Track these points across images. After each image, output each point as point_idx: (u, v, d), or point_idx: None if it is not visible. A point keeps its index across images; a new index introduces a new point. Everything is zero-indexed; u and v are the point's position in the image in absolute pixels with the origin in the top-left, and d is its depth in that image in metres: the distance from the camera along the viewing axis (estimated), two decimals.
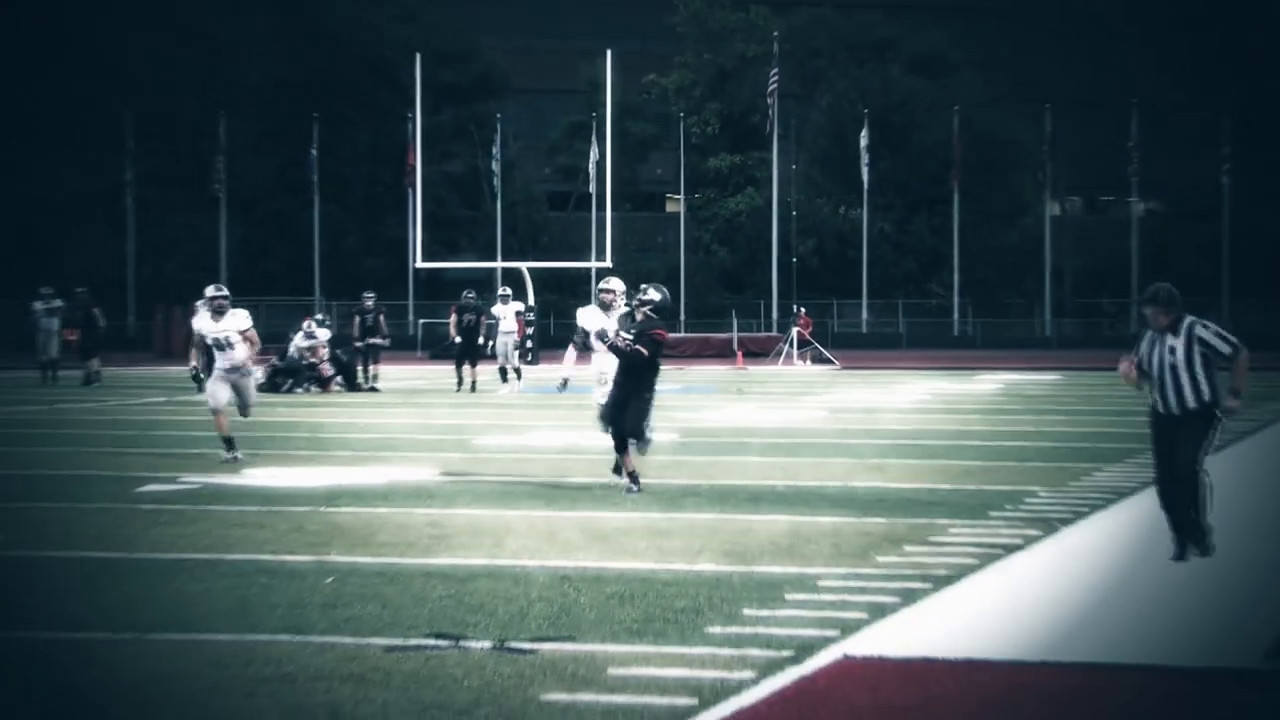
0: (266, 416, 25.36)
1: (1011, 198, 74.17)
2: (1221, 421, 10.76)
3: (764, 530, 12.42)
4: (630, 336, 14.76)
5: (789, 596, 9.66)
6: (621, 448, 14.87)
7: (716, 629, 8.74)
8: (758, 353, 51.52)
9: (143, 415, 26.36)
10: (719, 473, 16.73)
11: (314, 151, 65.00)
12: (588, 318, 16.25)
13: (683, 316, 65.18)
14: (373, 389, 32.81)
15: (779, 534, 12.23)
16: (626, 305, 15.53)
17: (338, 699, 7.23)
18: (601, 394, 15.80)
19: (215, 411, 17.92)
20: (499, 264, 56.83)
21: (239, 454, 17.75)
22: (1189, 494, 10.66)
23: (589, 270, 50.12)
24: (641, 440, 14.86)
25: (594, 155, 63.05)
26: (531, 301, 42.76)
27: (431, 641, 8.42)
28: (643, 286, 15.19)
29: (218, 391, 17.98)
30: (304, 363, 32.61)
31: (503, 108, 69.05)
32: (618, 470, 15.31)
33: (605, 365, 15.90)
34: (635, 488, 14.69)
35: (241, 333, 18.11)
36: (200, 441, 18.66)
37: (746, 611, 9.21)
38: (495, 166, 67.18)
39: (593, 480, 15.04)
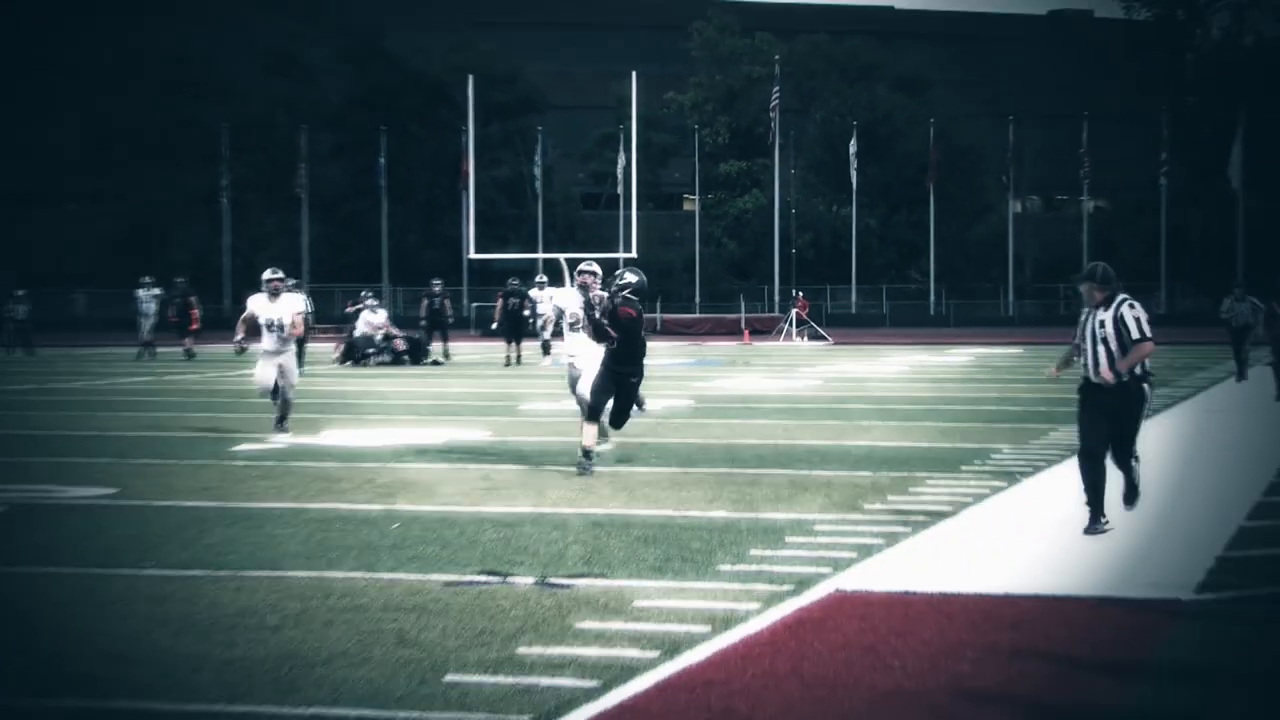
0: (343, 385, 25.43)
1: (979, 197, 73.78)
2: (1149, 396, 10.07)
3: (768, 482, 12.41)
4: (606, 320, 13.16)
5: (789, 539, 9.65)
6: (593, 419, 13.29)
7: (727, 567, 8.74)
8: (762, 331, 51.41)
9: (236, 385, 26.37)
10: (729, 433, 16.70)
11: (382, 160, 64.98)
12: (565, 298, 14.81)
13: (697, 300, 65.17)
14: (435, 362, 32.80)
15: (780, 485, 12.22)
16: (605, 289, 13.53)
17: (403, 626, 7.25)
18: (574, 374, 14.25)
19: (264, 392, 16.63)
20: (540, 255, 56.74)
21: (288, 429, 16.50)
22: (1120, 463, 10.04)
23: (617, 260, 50.06)
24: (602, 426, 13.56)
25: (621, 162, 62.83)
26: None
27: (483, 577, 8.43)
28: (619, 271, 13.48)
29: (265, 373, 16.46)
30: (376, 339, 32.59)
31: (543, 122, 68.80)
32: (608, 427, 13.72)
33: (577, 348, 14.28)
34: (589, 466, 12.94)
35: (296, 314, 16.73)
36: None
37: (753, 552, 9.21)
38: (537, 172, 67.08)
39: (620, 440, 14.91)
